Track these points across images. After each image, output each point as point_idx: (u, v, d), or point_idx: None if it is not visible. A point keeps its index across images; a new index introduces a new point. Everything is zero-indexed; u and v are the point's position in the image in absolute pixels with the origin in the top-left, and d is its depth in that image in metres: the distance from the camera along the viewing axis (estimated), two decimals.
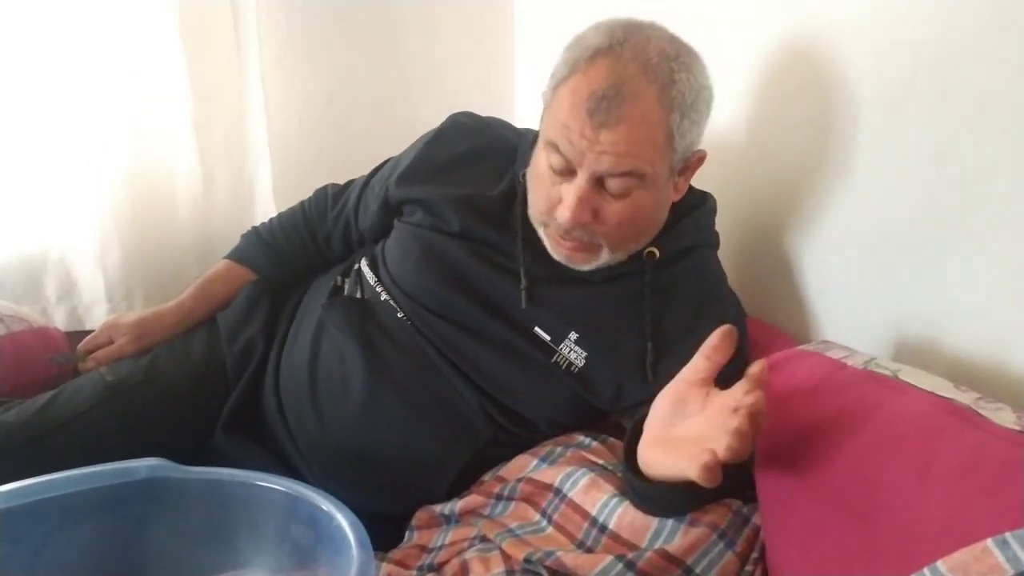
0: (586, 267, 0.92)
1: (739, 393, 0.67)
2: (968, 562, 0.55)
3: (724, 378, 0.72)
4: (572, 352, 0.94)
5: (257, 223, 1.24)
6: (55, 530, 0.71)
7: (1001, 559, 0.54)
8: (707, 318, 0.86)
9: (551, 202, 0.88)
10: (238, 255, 1.18)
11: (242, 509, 0.76)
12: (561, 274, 0.94)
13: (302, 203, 1.21)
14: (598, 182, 0.85)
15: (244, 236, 1.21)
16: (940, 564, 0.57)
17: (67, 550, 0.72)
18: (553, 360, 0.94)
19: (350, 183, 1.19)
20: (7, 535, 0.68)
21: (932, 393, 0.69)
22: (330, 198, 1.19)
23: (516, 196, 0.97)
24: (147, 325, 1.10)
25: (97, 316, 1.33)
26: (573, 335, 0.94)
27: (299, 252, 1.18)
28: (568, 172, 0.86)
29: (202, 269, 1.21)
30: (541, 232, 0.93)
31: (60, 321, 1.33)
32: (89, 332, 1.12)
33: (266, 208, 1.42)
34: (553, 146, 0.85)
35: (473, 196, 0.98)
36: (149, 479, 0.75)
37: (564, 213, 0.86)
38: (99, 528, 0.73)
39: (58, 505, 0.70)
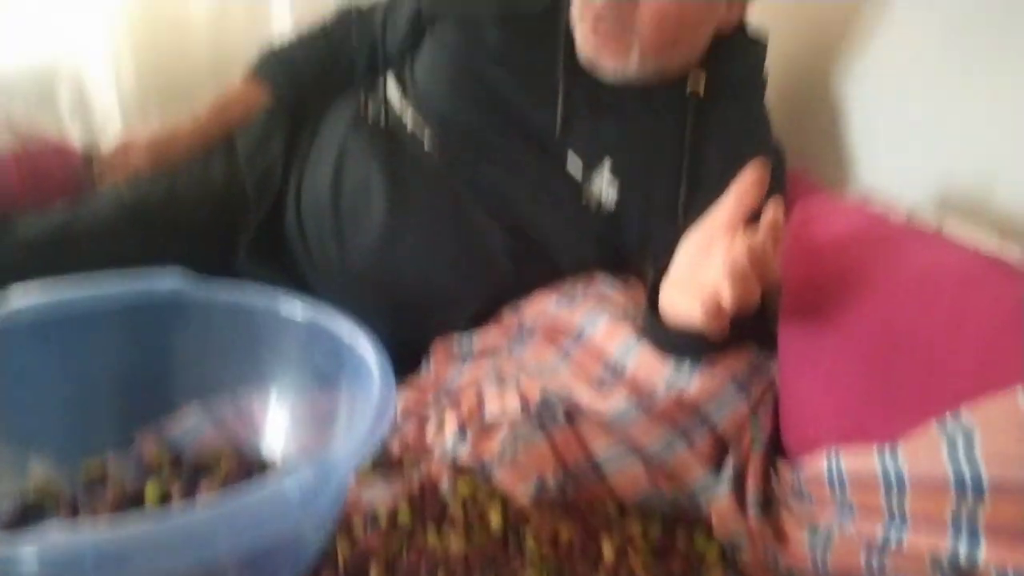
0: (613, 68, 0.88)
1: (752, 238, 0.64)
2: (994, 412, 0.55)
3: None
4: (604, 187, 0.91)
5: (274, 41, 1.17)
6: (80, 337, 0.71)
7: None
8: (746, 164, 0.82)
9: None
10: (256, 72, 1.13)
11: (265, 332, 0.76)
12: (601, 102, 0.90)
13: (323, 24, 1.15)
14: None
15: (261, 54, 1.15)
16: (963, 412, 0.56)
17: (92, 359, 0.73)
18: (583, 199, 0.91)
19: (375, 3, 1.12)
20: (35, 336, 0.69)
21: (974, 247, 0.66)
22: (355, 19, 1.12)
23: (559, 12, 0.91)
24: (162, 144, 1.07)
25: (112, 133, 1.30)
26: (608, 163, 0.90)
27: (319, 73, 1.13)
28: None
29: (218, 85, 1.17)
30: (576, 28, 0.88)
31: (74, 138, 1.30)
32: (104, 150, 1.09)
33: (283, 26, 1.34)
34: None
35: (512, 12, 0.93)
36: (173, 291, 0.75)
37: None
38: (123, 339, 0.74)
39: (82, 312, 0.71)
